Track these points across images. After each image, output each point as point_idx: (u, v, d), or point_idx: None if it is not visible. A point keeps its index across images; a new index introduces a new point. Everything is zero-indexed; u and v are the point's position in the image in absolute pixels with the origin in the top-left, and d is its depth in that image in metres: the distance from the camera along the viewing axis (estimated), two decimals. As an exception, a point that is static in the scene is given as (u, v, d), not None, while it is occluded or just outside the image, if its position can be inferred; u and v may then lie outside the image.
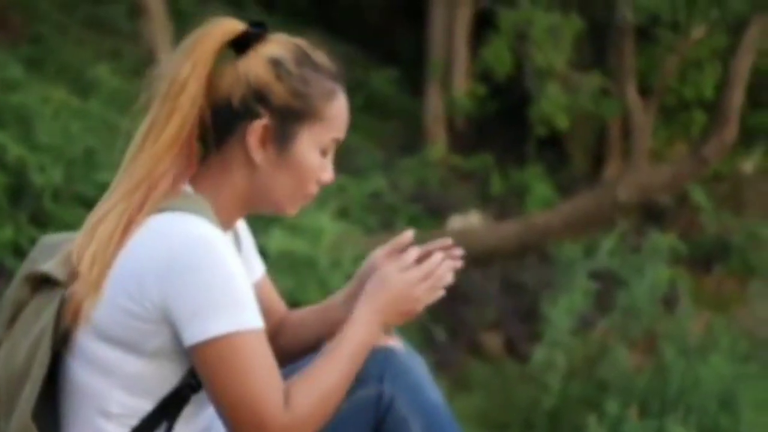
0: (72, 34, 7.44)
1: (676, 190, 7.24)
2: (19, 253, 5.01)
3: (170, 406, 2.03)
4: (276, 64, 2.04)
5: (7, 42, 6.77)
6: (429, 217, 7.08)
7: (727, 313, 6.91)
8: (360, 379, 2.07)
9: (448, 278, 2.13)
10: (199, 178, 2.06)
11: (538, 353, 5.83)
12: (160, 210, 2.00)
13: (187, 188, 2.04)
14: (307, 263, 5.62)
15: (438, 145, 7.95)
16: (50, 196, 5.37)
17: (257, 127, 2.03)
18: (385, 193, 7.07)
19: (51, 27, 7.40)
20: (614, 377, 5.66)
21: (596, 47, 7.88)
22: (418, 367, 2.14)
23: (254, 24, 2.07)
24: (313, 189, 2.11)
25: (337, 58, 2.12)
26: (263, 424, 1.95)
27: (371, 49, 8.65)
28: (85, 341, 2.01)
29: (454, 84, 8.16)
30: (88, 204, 5.13)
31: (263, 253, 5.36)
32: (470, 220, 7.17)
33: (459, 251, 2.16)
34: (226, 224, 2.08)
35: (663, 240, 6.46)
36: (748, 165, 7.99)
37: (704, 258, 7.49)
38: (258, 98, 2.03)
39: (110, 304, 1.98)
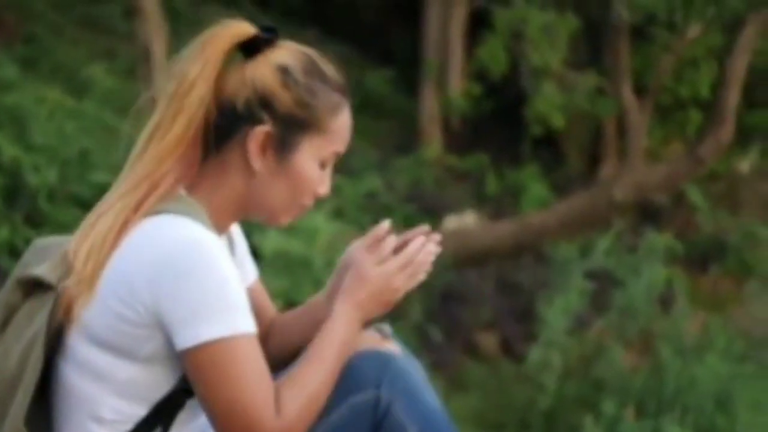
0: (67, 34, 7.44)
1: (672, 189, 7.22)
2: (15, 253, 5.00)
3: (164, 412, 2.01)
4: (284, 71, 2.02)
5: (2, 42, 6.77)
6: (424, 217, 7.05)
7: (723, 312, 6.90)
8: (357, 384, 2.06)
9: (428, 263, 2.11)
10: (196, 179, 2.04)
11: (534, 353, 5.82)
12: (156, 212, 1.98)
13: (182, 191, 2.02)
14: (302, 263, 5.62)
15: (433, 145, 7.95)
16: (45, 196, 5.36)
17: (259, 133, 2.01)
18: (380, 193, 7.06)
19: (45, 27, 7.39)
20: (610, 377, 5.66)
21: (592, 46, 7.88)
22: (416, 371, 2.13)
23: (265, 29, 2.04)
24: (309, 201, 2.09)
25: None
26: (254, 430, 1.94)
27: (366, 49, 8.65)
28: (77, 345, 2.00)
29: (449, 83, 8.16)
30: (83, 204, 5.13)
31: (258, 253, 5.36)
32: (466, 220, 7.17)
33: (437, 236, 2.14)
34: (221, 228, 2.07)
35: (659, 240, 6.45)
36: (745, 164, 7.99)
37: (700, 258, 7.49)
38: (262, 104, 2.01)
39: (102, 307, 1.96)
